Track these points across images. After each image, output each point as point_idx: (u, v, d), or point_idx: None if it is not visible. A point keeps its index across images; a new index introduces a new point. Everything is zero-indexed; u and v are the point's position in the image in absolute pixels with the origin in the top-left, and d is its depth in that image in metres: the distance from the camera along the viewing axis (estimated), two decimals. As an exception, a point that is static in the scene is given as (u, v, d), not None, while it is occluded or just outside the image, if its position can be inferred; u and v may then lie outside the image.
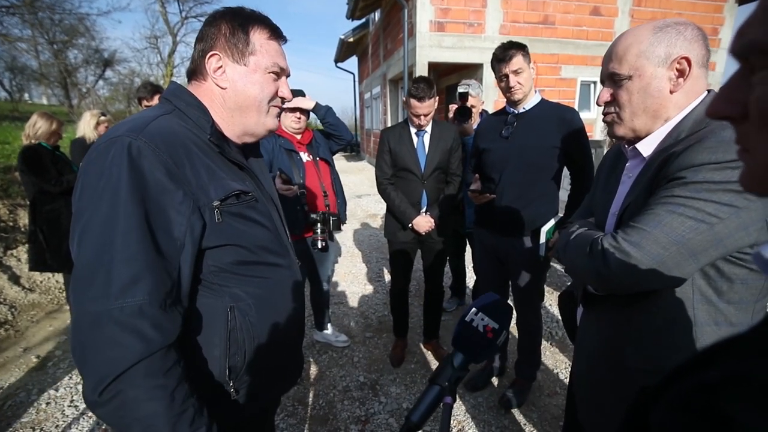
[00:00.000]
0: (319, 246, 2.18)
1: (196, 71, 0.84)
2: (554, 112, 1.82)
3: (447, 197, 2.30)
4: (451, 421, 1.97)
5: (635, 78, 0.83)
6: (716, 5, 8.51)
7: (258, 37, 0.83)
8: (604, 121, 0.93)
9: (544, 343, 2.65)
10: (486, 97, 7.55)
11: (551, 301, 3.29)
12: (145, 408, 0.64)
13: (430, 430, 1.91)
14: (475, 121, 2.69)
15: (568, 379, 2.25)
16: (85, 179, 0.69)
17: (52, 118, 2.79)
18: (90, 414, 2.10)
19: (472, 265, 3.00)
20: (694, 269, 0.75)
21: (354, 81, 17.34)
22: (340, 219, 2.26)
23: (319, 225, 2.16)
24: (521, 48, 1.77)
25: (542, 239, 1.79)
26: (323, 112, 2.34)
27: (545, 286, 2.31)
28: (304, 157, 2.26)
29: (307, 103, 2.24)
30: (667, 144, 0.83)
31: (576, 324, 1.11)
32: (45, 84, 16.40)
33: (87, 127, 3.08)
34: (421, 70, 7.52)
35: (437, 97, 2.14)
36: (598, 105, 0.92)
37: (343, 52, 14.97)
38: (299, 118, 2.22)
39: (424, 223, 2.22)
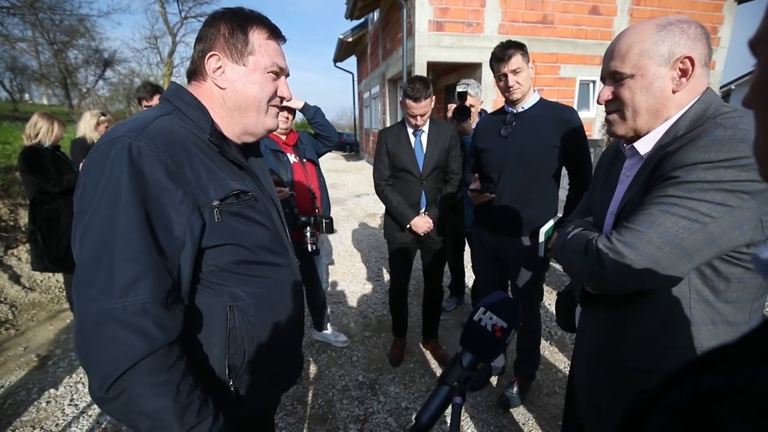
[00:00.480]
0: (309, 249, 2.15)
1: (195, 72, 0.85)
2: (553, 111, 1.82)
3: (446, 196, 2.29)
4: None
5: (637, 77, 0.82)
6: (715, 4, 8.51)
7: (257, 37, 0.83)
8: (606, 119, 0.93)
9: (543, 342, 2.66)
10: (485, 97, 7.56)
11: (550, 300, 3.30)
12: (152, 403, 0.66)
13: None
14: (474, 121, 2.69)
15: (567, 379, 2.26)
16: (87, 179, 0.69)
17: (53, 119, 2.79)
18: (90, 412, 2.11)
19: (471, 264, 3.00)
20: (689, 269, 0.75)
21: (353, 81, 17.34)
22: (332, 221, 2.24)
23: (308, 228, 2.14)
24: (520, 47, 1.77)
25: (541, 239, 1.79)
26: (312, 112, 2.33)
27: (544, 285, 2.32)
28: (291, 158, 2.23)
29: (295, 103, 2.23)
30: (665, 142, 0.82)
31: (573, 322, 1.12)
32: (45, 84, 16.41)
33: (87, 127, 3.09)
34: (420, 70, 7.52)
35: (434, 97, 2.13)
36: (599, 104, 0.91)
37: (342, 51, 14.97)
38: (287, 118, 2.20)
39: (422, 224, 2.22)
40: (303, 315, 1.05)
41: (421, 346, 2.68)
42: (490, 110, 2.66)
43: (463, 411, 2.09)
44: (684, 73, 0.80)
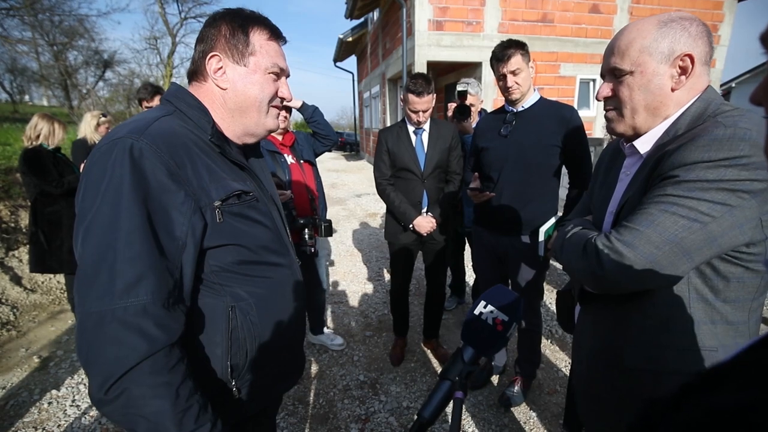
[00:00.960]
0: (308, 252, 2.13)
1: (196, 72, 0.85)
2: (553, 110, 1.82)
3: (447, 196, 2.28)
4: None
5: (636, 74, 0.81)
6: (716, 2, 8.50)
7: (258, 38, 0.83)
8: (605, 117, 0.92)
9: (543, 341, 2.66)
10: (485, 96, 7.56)
11: (551, 299, 3.30)
12: (151, 405, 0.65)
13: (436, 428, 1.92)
14: (474, 120, 2.69)
15: (568, 377, 2.26)
16: (88, 180, 0.69)
17: (53, 120, 2.79)
18: (91, 413, 2.11)
19: (471, 263, 3.00)
20: (688, 268, 0.75)
21: (353, 80, 17.34)
22: (331, 224, 2.22)
23: (306, 230, 2.12)
24: (520, 47, 1.76)
25: (541, 238, 1.79)
26: (310, 111, 2.31)
27: (544, 284, 2.31)
28: (289, 159, 2.21)
29: (294, 101, 2.22)
30: (664, 141, 0.81)
31: (573, 321, 1.12)
32: (45, 85, 16.43)
33: (88, 128, 3.09)
34: (420, 69, 7.52)
35: (435, 94, 2.13)
36: (598, 100, 0.90)
37: (342, 51, 14.96)
38: (285, 118, 2.18)
39: (425, 223, 2.21)
40: (305, 314, 1.05)
41: (422, 345, 2.68)
42: (490, 109, 2.65)
43: (464, 410, 2.10)
44: (684, 71, 0.79)
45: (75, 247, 0.69)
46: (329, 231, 2.19)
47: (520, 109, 1.86)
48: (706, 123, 0.75)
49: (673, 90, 0.80)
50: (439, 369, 2.45)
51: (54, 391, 2.29)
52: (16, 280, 3.67)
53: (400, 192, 2.25)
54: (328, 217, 2.34)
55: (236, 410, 0.85)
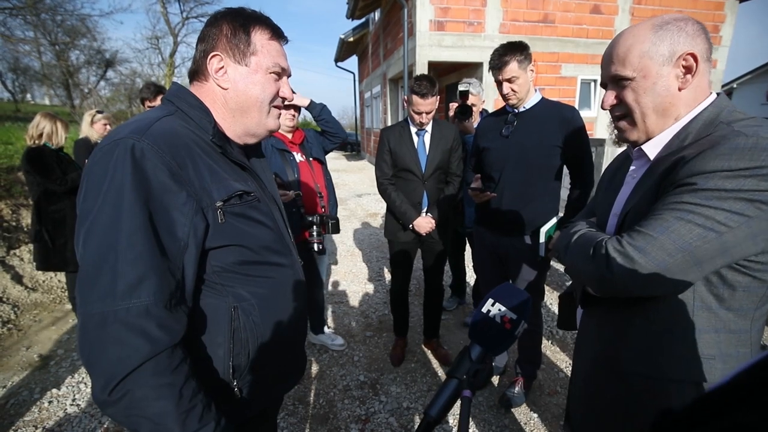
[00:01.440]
0: (316, 249, 2.15)
1: (197, 72, 0.85)
2: (554, 110, 1.82)
3: (447, 198, 2.29)
4: (452, 420, 1.98)
5: (639, 79, 0.81)
6: (717, 2, 8.49)
7: (259, 38, 0.83)
8: (615, 127, 0.90)
9: (544, 341, 2.66)
10: (486, 96, 7.54)
11: (551, 300, 3.30)
12: (154, 406, 0.65)
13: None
14: (475, 120, 2.69)
15: (568, 378, 2.26)
16: (89, 181, 0.69)
17: (56, 119, 2.80)
18: (92, 412, 2.11)
19: (472, 264, 3.00)
20: (698, 277, 0.74)
21: (354, 80, 17.35)
22: (338, 221, 2.24)
23: (315, 227, 2.13)
24: (518, 52, 1.73)
25: (542, 238, 1.79)
26: (318, 109, 2.32)
27: (545, 285, 2.31)
28: (298, 157, 2.23)
29: (302, 100, 2.22)
30: (674, 146, 0.80)
31: (574, 322, 1.11)
32: (47, 84, 16.48)
33: (87, 127, 3.12)
34: (421, 70, 7.52)
35: (438, 97, 2.14)
36: (603, 109, 0.89)
37: (344, 51, 14.97)
38: (293, 116, 2.20)
39: (425, 223, 2.21)
40: (306, 314, 1.05)
41: (423, 346, 2.68)
42: (491, 110, 2.65)
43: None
44: (688, 69, 0.78)
45: (76, 247, 0.69)
46: (336, 228, 2.20)
47: (521, 109, 1.85)
48: (723, 131, 0.74)
49: (680, 89, 0.80)
50: (439, 369, 2.44)
51: (54, 390, 2.29)
52: (18, 278, 3.68)
53: (401, 192, 2.26)
54: (336, 215, 2.35)
55: (238, 410, 0.85)
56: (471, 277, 3.60)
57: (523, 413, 2.07)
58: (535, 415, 2.06)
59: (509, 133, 1.87)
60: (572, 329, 1.13)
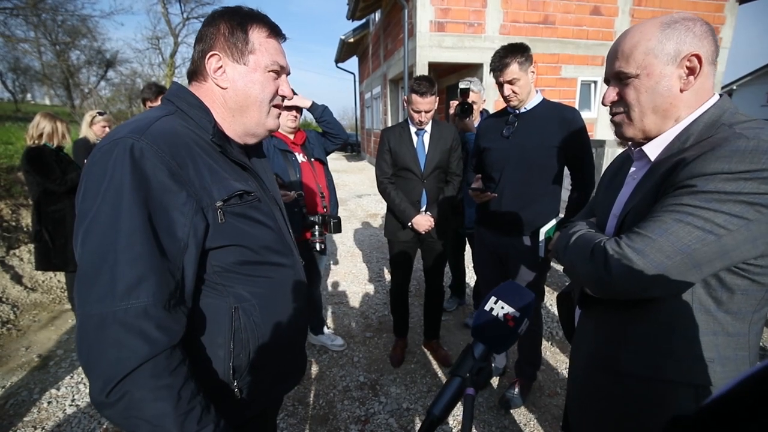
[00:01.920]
0: (318, 248, 2.16)
1: (196, 72, 0.84)
2: (555, 111, 1.82)
3: (447, 198, 2.30)
4: (452, 421, 1.98)
5: (643, 77, 0.80)
6: (717, 4, 8.50)
7: (257, 36, 0.83)
8: (612, 121, 0.90)
9: (544, 342, 2.66)
10: (486, 97, 7.54)
11: (551, 300, 3.29)
12: (153, 408, 0.64)
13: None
14: (476, 119, 2.69)
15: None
16: (88, 180, 0.69)
17: (56, 119, 2.80)
18: (91, 413, 2.11)
19: (472, 264, 3.00)
20: (696, 279, 0.74)
21: (354, 81, 17.37)
22: (340, 221, 2.25)
23: (317, 227, 2.15)
24: (519, 54, 1.73)
25: (541, 239, 1.79)
26: (320, 110, 2.33)
27: (545, 285, 2.31)
28: (300, 157, 2.24)
29: (304, 101, 2.23)
30: (675, 148, 0.80)
31: (573, 325, 1.11)
32: (48, 84, 16.49)
33: (86, 127, 3.12)
34: (422, 70, 7.52)
35: (437, 96, 2.14)
36: (604, 105, 0.89)
37: (344, 52, 14.98)
38: (295, 117, 2.21)
39: (423, 222, 2.22)
40: (306, 315, 1.04)
41: (423, 346, 2.68)
42: (491, 110, 2.65)
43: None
44: (692, 71, 0.78)
45: (75, 247, 0.68)
46: (338, 227, 2.21)
47: (522, 110, 1.86)
48: (725, 133, 0.73)
49: (682, 91, 0.79)
50: (439, 370, 2.44)
51: (54, 391, 2.29)
52: (17, 278, 3.68)
53: (401, 191, 2.27)
54: (337, 214, 2.36)
55: (238, 411, 0.85)
56: (471, 278, 3.60)
57: (522, 414, 2.07)
58: (535, 417, 2.05)
59: (510, 134, 1.87)
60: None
